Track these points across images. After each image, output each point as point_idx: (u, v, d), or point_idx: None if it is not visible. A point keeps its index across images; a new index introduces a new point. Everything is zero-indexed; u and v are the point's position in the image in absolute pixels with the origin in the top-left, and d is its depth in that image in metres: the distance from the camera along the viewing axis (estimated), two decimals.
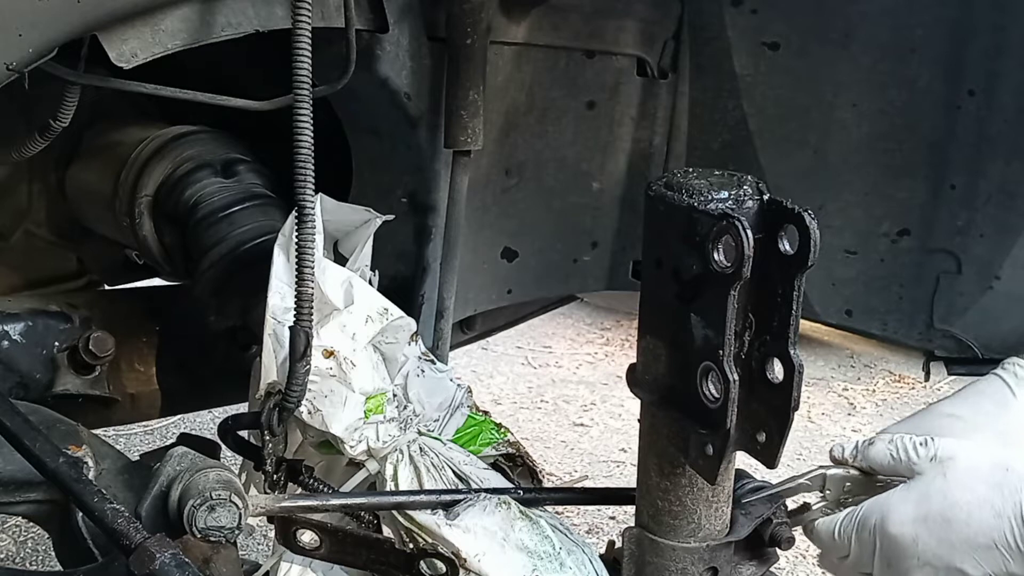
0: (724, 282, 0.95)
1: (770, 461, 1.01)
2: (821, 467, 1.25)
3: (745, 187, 1.01)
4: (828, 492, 1.24)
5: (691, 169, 1.06)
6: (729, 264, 0.95)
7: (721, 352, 0.97)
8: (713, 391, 1.00)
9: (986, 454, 1.16)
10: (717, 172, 1.04)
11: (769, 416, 1.00)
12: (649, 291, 1.08)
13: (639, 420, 1.15)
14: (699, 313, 1.00)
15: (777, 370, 0.99)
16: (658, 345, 1.07)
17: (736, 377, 0.97)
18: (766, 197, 1.00)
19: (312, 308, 1.23)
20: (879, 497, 1.19)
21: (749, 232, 0.92)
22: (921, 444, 1.18)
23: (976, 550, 1.11)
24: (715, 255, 0.96)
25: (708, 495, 1.13)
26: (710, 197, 1.00)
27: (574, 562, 1.20)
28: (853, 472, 1.23)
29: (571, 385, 4.83)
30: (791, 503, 1.26)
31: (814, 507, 1.24)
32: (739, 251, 0.93)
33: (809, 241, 0.93)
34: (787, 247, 0.96)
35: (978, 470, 1.14)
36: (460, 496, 1.23)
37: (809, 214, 0.93)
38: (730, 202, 0.99)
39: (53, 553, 1.27)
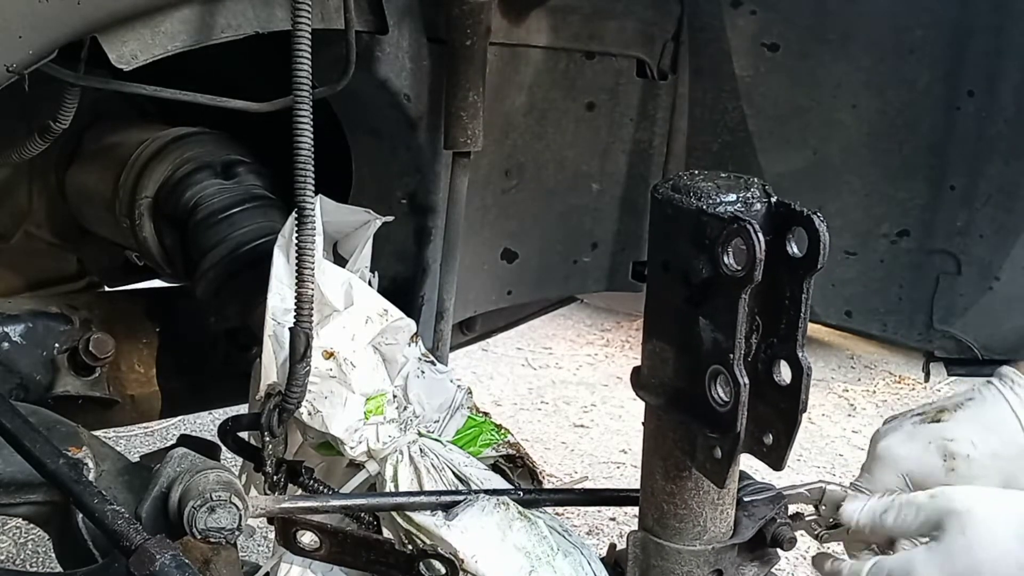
0: (735, 285, 0.95)
1: (777, 463, 1.01)
2: (822, 481, 1.27)
3: (753, 189, 1.00)
4: (823, 508, 1.26)
5: (696, 171, 1.05)
6: (740, 268, 0.94)
7: (731, 356, 0.97)
8: (722, 394, 1.00)
9: (1004, 504, 1.16)
10: (723, 174, 1.04)
11: (776, 418, 1.00)
12: (656, 294, 1.08)
13: (643, 423, 1.15)
14: (708, 316, 1.00)
15: (784, 372, 0.99)
16: (665, 348, 1.07)
17: (746, 381, 0.97)
18: (774, 199, 0.99)
19: (312, 309, 1.23)
20: (904, 555, 1.18)
21: (761, 236, 0.92)
22: (930, 497, 1.17)
23: None
24: (725, 258, 0.95)
25: (714, 498, 1.13)
26: (718, 200, 0.99)
27: (571, 563, 1.20)
28: (850, 493, 1.25)
29: (571, 386, 4.83)
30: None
31: (806, 518, 1.26)
32: (751, 255, 0.92)
33: (818, 243, 0.93)
34: (795, 249, 0.96)
35: (997, 522, 1.13)
36: (460, 497, 1.23)
37: (818, 216, 0.93)
38: (739, 205, 0.99)
39: (53, 555, 1.27)
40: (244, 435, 1.39)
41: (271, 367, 1.29)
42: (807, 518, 1.26)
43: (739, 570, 1.20)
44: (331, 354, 1.29)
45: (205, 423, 3.70)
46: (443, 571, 1.16)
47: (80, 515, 1.13)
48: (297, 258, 1.21)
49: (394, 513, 1.23)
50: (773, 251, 0.95)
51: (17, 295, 1.94)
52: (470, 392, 1.46)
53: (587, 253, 1.95)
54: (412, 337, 1.38)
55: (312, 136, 1.21)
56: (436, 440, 1.35)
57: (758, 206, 0.99)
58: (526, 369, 5.01)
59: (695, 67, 1.84)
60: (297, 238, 1.22)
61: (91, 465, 1.18)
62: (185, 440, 1.27)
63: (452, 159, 1.60)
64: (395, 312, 1.35)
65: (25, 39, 1.06)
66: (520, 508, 1.22)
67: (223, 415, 1.58)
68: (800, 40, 1.75)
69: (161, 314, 1.86)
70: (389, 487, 1.31)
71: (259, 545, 2.94)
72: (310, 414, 1.28)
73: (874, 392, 4.90)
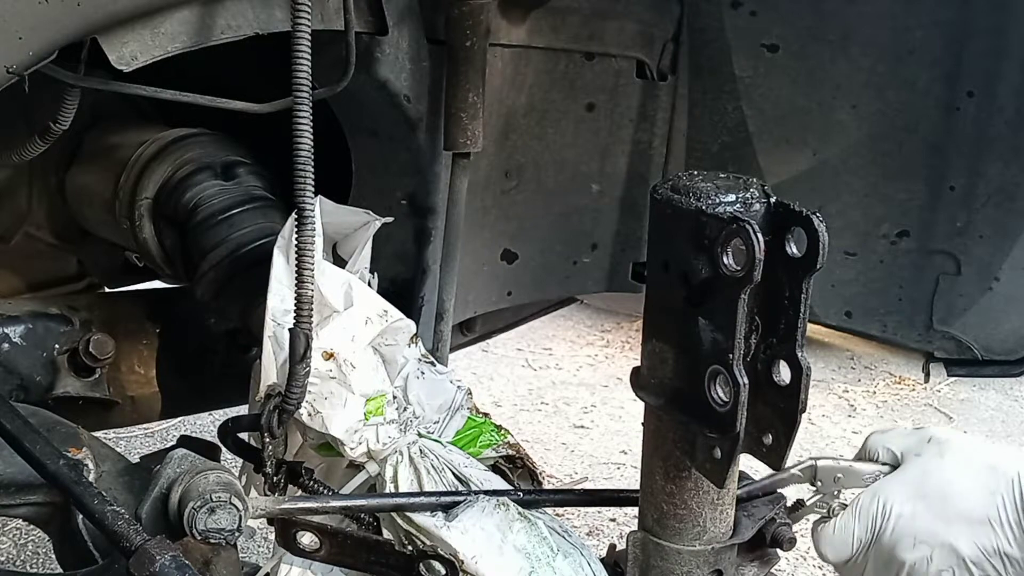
0: (734, 286, 0.95)
1: (777, 463, 1.01)
2: (812, 458, 1.26)
3: (752, 190, 1.00)
4: (819, 484, 1.25)
5: (696, 172, 1.06)
6: (739, 268, 0.95)
7: (731, 356, 0.97)
8: (722, 395, 1.00)
9: (979, 440, 1.22)
10: (723, 175, 1.04)
11: (775, 418, 1.00)
12: (655, 294, 1.08)
13: (643, 424, 1.15)
14: (707, 316, 1.00)
15: (784, 372, 0.99)
16: (664, 348, 1.07)
17: (746, 381, 0.97)
18: (773, 200, 1.00)
19: (312, 310, 1.22)
20: (876, 483, 1.22)
21: (760, 236, 0.92)
22: (917, 429, 1.22)
23: (970, 525, 1.14)
24: (725, 259, 0.96)
25: (713, 498, 1.13)
26: (718, 200, 0.99)
27: (571, 564, 1.20)
28: (843, 464, 1.25)
29: (571, 387, 4.83)
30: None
31: (808, 503, 1.26)
32: (750, 255, 0.92)
33: (817, 244, 0.93)
34: (794, 250, 0.96)
35: (973, 451, 1.18)
36: (460, 498, 1.23)
37: (817, 217, 0.93)
38: (738, 205, 0.99)
39: (53, 555, 1.27)
40: (244, 436, 1.39)
41: (271, 368, 1.29)
42: (810, 502, 1.26)
43: (739, 570, 1.20)
44: (331, 355, 1.29)
45: (205, 424, 3.70)
46: (443, 572, 1.16)
47: (80, 516, 1.13)
48: (297, 259, 1.21)
49: (394, 514, 1.23)
50: (772, 251, 0.96)
51: (17, 296, 1.95)
52: (470, 393, 1.46)
53: (587, 254, 1.95)
54: (412, 338, 1.38)
55: (312, 137, 1.21)
56: (436, 441, 1.35)
57: (757, 206, 0.99)
58: (526, 370, 5.01)
59: (695, 67, 1.84)
60: (297, 239, 1.22)
61: (91, 466, 1.18)
62: (185, 441, 1.27)
63: (452, 160, 1.60)
64: (395, 313, 1.35)
65: (25, 40, 1.06)
66: (520, 509, 1.22)
67: (223, 416, 1.58)
68: (800, 40, 1.75)
69: (161, 315, 1.86)
70: (389, 488, 1.30)
71: (259, 546, 2.94)
72: (310, 415, 1.28)
73: (874, 393, 4.90)
